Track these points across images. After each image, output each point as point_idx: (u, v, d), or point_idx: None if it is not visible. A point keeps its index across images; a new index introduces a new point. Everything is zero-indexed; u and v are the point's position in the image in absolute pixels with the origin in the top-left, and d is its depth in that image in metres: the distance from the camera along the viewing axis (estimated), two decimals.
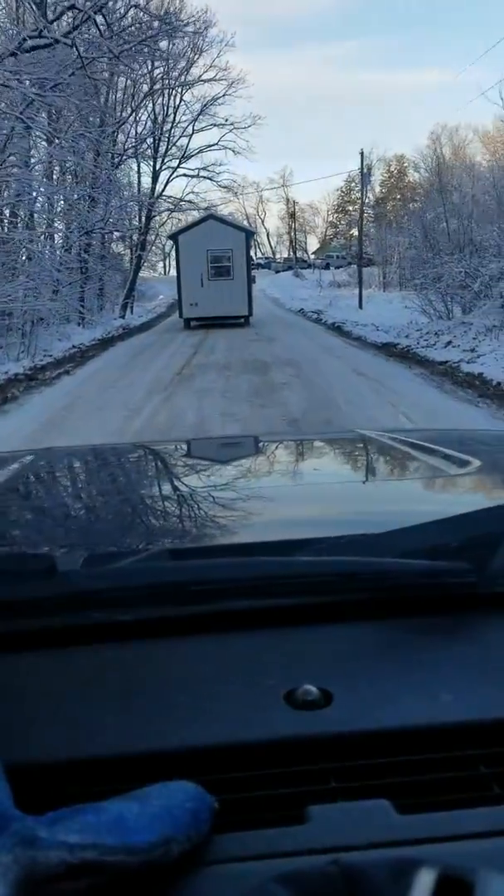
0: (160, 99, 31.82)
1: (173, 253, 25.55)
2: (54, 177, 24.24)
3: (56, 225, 24.08)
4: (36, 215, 21.16)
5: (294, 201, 66.00)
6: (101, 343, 19.56)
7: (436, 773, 0.53)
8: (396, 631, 0.69)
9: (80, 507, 1.25)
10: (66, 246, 26.53)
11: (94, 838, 0.41)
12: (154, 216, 34.40)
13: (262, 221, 77.33)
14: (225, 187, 34.96)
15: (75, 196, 24.45)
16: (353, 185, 63.78)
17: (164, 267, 68.22)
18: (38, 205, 22.03)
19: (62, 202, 25.54)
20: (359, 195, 65.69)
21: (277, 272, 57.07)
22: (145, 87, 29.03)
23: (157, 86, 30.13)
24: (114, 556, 0.85)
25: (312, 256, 65.86)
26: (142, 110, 31.09)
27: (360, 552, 0.72)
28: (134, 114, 28.85)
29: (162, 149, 33.11)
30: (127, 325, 26.93)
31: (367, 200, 60.80)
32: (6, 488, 1.30)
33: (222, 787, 0.50)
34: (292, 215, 62.39)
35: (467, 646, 0.68)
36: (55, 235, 24.15)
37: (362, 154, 31.88)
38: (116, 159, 28.85)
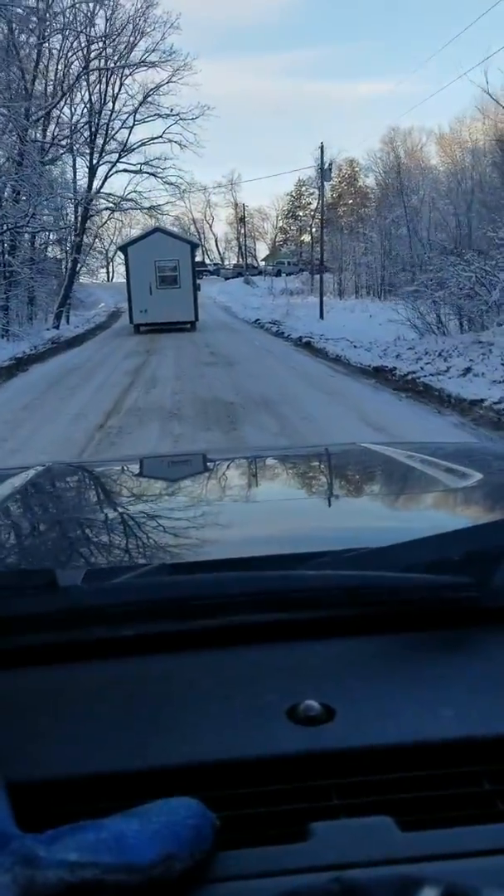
0: (97, 87, 27.26)
1: (117, 259, 26.53)
2: None
3: None
4: None
5: (243, 205, 61.81)
6: (14, 365, 15.03)
7: (438, 789, 0.52)
8: (398, 645, 0.67)
9: (81, 523, 1.18)
10: None
11: (94, 857, 0.40)
12: (92, 216, 29.74)
13: (210, 226, 73.13)
14: (171, 183, 30.49)
15: None
16: (303, 188, 60.14)
17: (108, 273, 63.46)
18: None
19: None
20: (310, 200, 62.28)
21: (227, 279, 52.89)
22: (78, 69, 24.43)
23: (94, 65, 25.51)
24: (114, 571, 0.82)
25: (262, 263, 61.91)
26: (77, 97, 26.48)
27: (361, 566, 0.70)
28: (66, 97, 24.12)
29: (100, 142, 28.49)
30: (58, 338, 22.53)
31: (317, 206, 57.50)
32: (7, 504, 1.25)
33: (224, 804, 0.49)
34: (241, 220, 58.09)
35: (470, 660, 0.66)
36: None
37: (322, 148, 27.94)
38: (47, 149, 24.18)
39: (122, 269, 25.16)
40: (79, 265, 30.53)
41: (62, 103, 24.66)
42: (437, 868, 0.44)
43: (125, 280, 23.70)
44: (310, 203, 59.78)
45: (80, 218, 28.20)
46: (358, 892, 0.38)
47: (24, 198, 20.65)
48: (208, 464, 1.73)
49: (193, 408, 8.68)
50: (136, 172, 30.10)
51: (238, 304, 32.88)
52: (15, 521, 1.21)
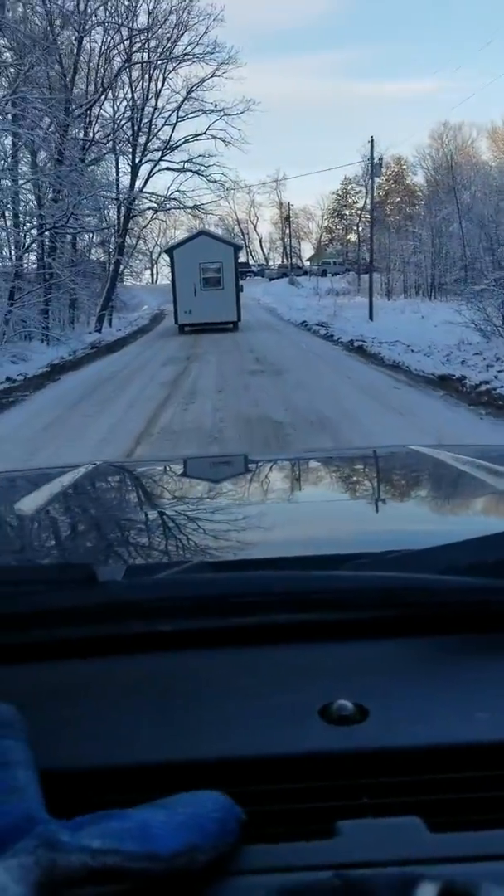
0: (139, 84, 26.16)
1: (162, 261, 26.98)
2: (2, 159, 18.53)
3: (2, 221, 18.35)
4: None
5: (289, 204, 60.30)
6: (47, 373, 13.95)
7: (470, 792, 0.52)
8: (434, 648, 0.66)
9: (124, 520, 1.20)
10: (20, 247, 20.91)
11: (117, 844, 0.40)
12: (134, 216, 28.69)
13: (255, 227, 71.88)
14: (214, 181, 29.25)
15: (23, 183, 18.79)
16: (350, 187, 58.45)
17: (153, 275, 62.63)
18: None
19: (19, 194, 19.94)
20: (356, 199, 60.52)
21: (271, 279, 51.52)
22: (119, 64, 23.33)
23: (136, 58, 24.39)
24: (154, 567, 0.84)
25: (307, 263, 60.38)
26: (119, 94, 25.42)
27: (399, 568, 0.70)
28: (106, 93, 23.03)
29: (142, 140, 27.39)
30: (98, 342, 21.55)
31: (364, 204, 55.69)
32: (55, 501, 1.27)
33: (253, 800, 0.49)
34: (287, 219, 56.52)
35: None
36: None
37: (372, 141, 26.37)
38: (87, 147, 23.16)
39: (166, 270, 25.80)
40: (122, 267, 29.55)
41: (103, 99, 23.59)
42: (464, 870, 0.43)
43: (170, 282, 24.02)
44: (356, 202, 58.10)
45: (122, 218, 27.19)
46: (358, 887, 0.39)
47: (63, 198, 19.60)
48: (250, 465, 1.71)
49: (237, 429, 7.38)
50: (179, 170, 28.98)
51: (283, 305, 31.52)
52: (61, 517, 1.23)
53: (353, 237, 55.71)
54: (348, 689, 0.58)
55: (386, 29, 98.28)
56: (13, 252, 20.49)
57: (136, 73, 25.58)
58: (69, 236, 23.23)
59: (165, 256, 25.13)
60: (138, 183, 27.40)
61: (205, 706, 0.58)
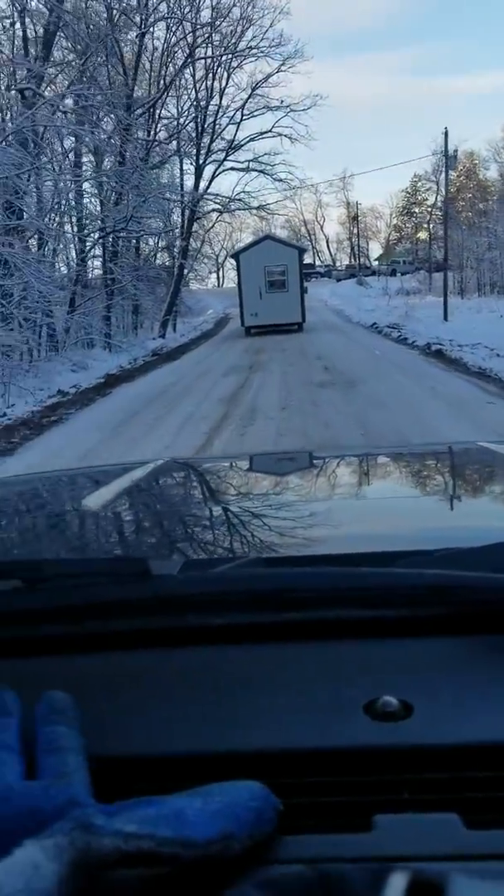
0: (203, 83, 25.06)
1: (227, 265, 27.15)
2: (65, 161, 17.69)
3: (60, 223, 17.49)
4: (27, 210, 14.55)
5: (357, 202, 58.38)
6: (100, 385, 12.96)
7: None
8: (482, 646, 0.64)
9: (186, 515, 1.21)
10: (81, 252, 20.09)
11: (152, 829, 0.41)
12: (198, 218, 27.66)
13: (321, 227, 70.32)
14: (280, 180, 27.91)
15: (82, 182, 17.90)
16: (419, 183, 56.23)
17: (218, 279, 61.75)
18: (35, 196, 15.56)
19: (74, 195, 19.12)
20: (426, 196, 58.16)
21: (339, 280, 49.87)
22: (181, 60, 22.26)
23: (199, 53, 23.29)
24: (211, 562, 0.85)
25: (375, 263, 58.43)
26: (182, 95, 24.42)
27: (452, 565, 0.69)
28: (168, 90, 21.97)
29: (206, 141, 26.28)
30: (160, 349, 20.65)
31: (434, 201, 53.35)
32: (123, 496, 1.30)
33: (292, 791, 0.49)
34: (354, 218, 54.49)
35: None
36: (54, 238, 17.42)
37: (446, 133, 24.66)
38: (150, 147, 22.22)
39: (231, 274, 25.20)
40: (186, 271, 28.59)
41: (166, 98, 22.59)
42: (500, 867, 0.43)
43: (236, 285, 24.19)
44: (426, 199, 55.84)
45: (186, 221, 26.20)
46: (393, 881, 0.39)
47: (124, 201, 18.63)
48: (315, 461, 1.70)
49: None
50: (243, 170, 27.78)
51: (352, 307, 29.98)
52: (126, 512, 1.26)
53: (422, 235, 53.55)
54: (394, 685, 0.58)
55: (453, 25, 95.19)
56: (75, 257, 19.70)
57: (199, 73, 24.53)
58: (132, 241, 22.35)
59: (231, 260, 25.26)
60: (202, 184, 26.31)
61: (251, 699, 0.58)
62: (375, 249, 65.88)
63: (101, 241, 19.61)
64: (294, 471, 1.62)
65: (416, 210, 57.11)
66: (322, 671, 0.61)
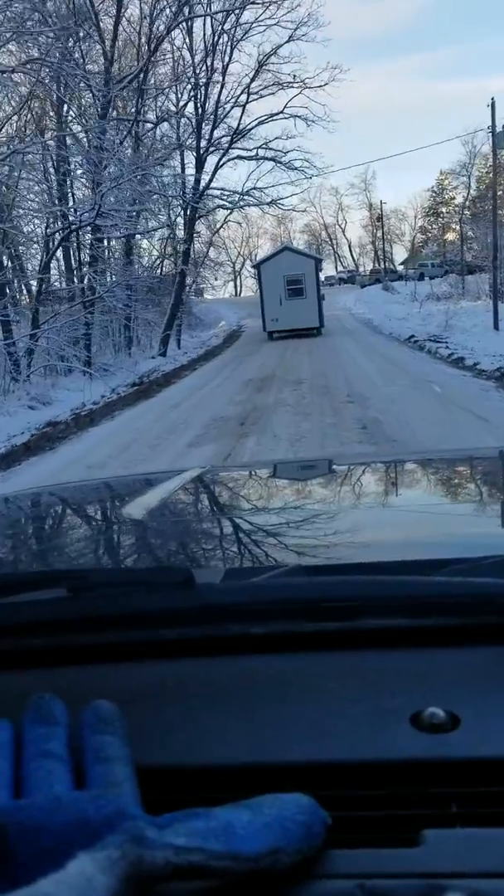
0: (203, 65, 20.68)
1: (244, 273, 27.99)
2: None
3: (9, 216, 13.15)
4: None
5: (381, 202, 53.53)
6: (38, 436, 8.62)
7: None
8: None
9: (224, 525, 1.21)
10: (45, 253, 15.82)
11: (201, 843, 0.39)
12: (201, 216, 23.28)
13: (343, 231, 65.58)
14: (296, 168, 23.44)
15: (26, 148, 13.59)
16: (446, 181, 51.36)
17: (236, 288, 57.36)
18: None
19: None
20: (454, 195, 53.32)
21: (363, 286, 45.20)
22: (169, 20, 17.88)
23: (198, 10, 18.89)
24: (251, 571, 0.85)
25: (401, 267, 53.65)
26: (179, 71, 20.05)
27: (496, 574, 0.67)
28: (153, 56, 17.58)
29: (207, 130, 21.88)
30: (152, 373, 16.31)
31: (466, 197, 48.53)
32: (160, 505, 1.30)
33: (339, 804, 0.47)
34: (378, 218, 49.67)
35: None
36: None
37: (493, 104, 20.10)
38: (134, 125, 17.89)
39: (249, 282, 23.29)
40: (190, 278, 24.24)
41: (151, 69, 18.19)
42: None
43: (257, 294, 24.94)
44: (453, 198, 51.01)
45: (186, 221, 21.87)
46: None
47: (100, 190, 14.28)
48: (353, 469, 1.69)
49: None
50: (252, 158, 23.28)
51: (380, 315, 25.42)
52: (166, 521, 1.24)
53: (450, 236, 48.72)
54: (440, 696, 0.56)
55: (476, 28, 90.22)
56: (40, 262, 15.45)
57: (198, 56, 20.14)
58: (113, 242, 18.09)
59: (248, 269, 22.94)
60: (204, 178, 21.91)
61: (295, 709, 0.57)
62: (400, 253, 61.12)
63: (64, 241, 15.31)
64: (331, 479, 1.58)
65: (444, 210, 52.27)
66: (366, 681, 0.59)
